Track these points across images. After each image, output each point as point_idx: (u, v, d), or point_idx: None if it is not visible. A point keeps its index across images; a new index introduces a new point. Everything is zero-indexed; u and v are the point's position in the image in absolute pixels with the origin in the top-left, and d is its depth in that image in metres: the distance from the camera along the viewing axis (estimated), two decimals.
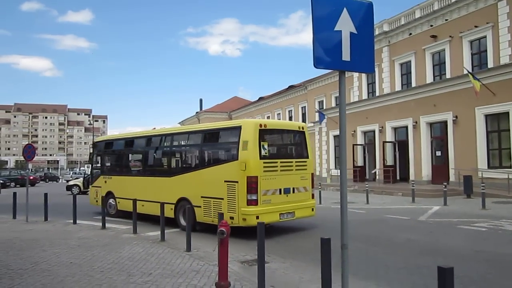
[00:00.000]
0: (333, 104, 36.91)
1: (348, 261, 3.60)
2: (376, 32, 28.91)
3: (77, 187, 27.71)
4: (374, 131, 27.57)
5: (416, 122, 23.67)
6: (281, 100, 48.73)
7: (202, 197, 10.75)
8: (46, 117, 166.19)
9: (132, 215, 11.09)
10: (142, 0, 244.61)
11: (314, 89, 41.52)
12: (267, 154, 10.17)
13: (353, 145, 28.27)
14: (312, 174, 11.36)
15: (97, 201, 14.87)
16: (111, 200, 14.59)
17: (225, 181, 10.11)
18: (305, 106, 43.78)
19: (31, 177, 20.81)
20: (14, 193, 15.09)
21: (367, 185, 18.57)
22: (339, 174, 4.02)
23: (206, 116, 64.03)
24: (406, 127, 24.74)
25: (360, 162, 28.67)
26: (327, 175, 32.57)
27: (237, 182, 9.84)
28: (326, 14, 3.46)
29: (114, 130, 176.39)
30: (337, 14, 3.49)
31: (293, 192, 10.53)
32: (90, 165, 17.64)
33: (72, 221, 12.89)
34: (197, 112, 67.55)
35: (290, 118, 46.10)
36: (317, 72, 41.23)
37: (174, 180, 11.88)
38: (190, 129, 14.25)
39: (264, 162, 9.96)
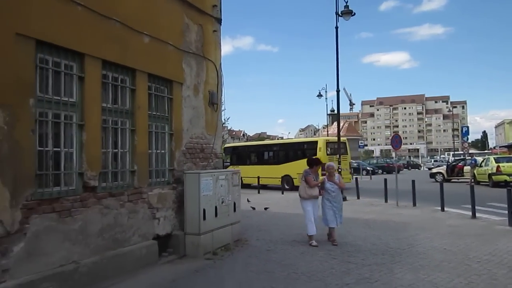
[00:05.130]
0: None
1: None
2: None
3: (441, 175, 27.80)
4: None
5: None
6: None
7: (297, 173, 18.55)
8: (405, 108, 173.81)
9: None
10: None
11: None
12: (330, 153, 21.70)
13: None
14: (350, 162, 24.40)
15: None
16: None
17: None
18: None
19: (396, 165, 22.75)
20: (385, 179, 16.50)
21: None
22: None
23: None
24: None
25: None
26: None
27: None
28: None
29: (476, 116, 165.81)
30: None
31: (342, 171, 18.26)
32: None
33: (440, 208, 13.00)
34: None
35: None
36: None
37: (281, 166, 23.49)
38: (293, 141, 30.30)
39: (329, 157, 20.68)
